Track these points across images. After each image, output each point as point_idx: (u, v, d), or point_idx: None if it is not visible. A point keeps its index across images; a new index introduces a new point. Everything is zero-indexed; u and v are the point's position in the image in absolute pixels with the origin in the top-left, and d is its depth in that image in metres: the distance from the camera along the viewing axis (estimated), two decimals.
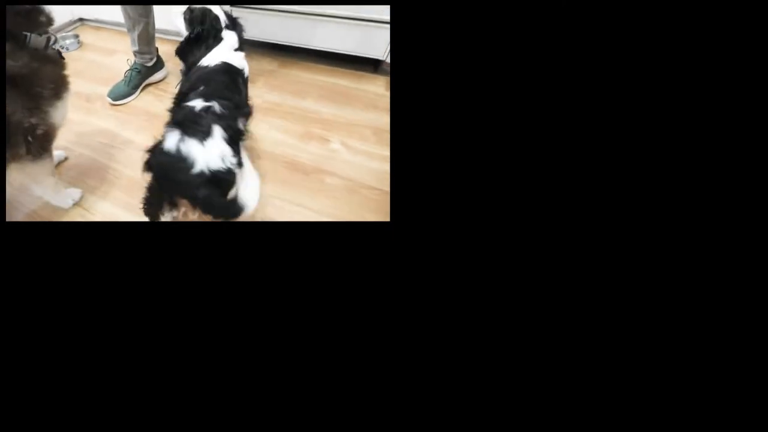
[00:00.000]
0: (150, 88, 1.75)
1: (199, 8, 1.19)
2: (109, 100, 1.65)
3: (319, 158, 1.42)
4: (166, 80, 1.79)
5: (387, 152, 1.40)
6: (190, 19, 1.19)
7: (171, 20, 1.23)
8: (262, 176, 1.38)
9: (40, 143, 1.03)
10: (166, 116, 0.94)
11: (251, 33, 1.90)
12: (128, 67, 1.69)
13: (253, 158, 1.44)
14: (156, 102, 1.68)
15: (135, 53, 1.67)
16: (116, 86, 1.67)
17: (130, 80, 1.67)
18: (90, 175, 1.38)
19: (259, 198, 1.27)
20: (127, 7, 1.56)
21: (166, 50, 1.83)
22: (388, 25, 1.67)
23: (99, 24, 2.34)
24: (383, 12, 1.59)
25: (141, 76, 1.69)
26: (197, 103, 0.97)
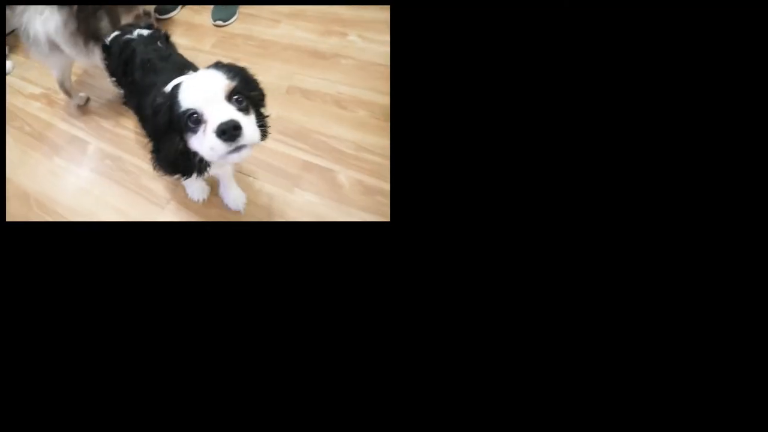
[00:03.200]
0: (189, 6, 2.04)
1: None
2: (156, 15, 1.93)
3: (337, 47, 1.66)
4: None
5: None
6: None
7: None
8: (287, 61, 1.65)
9: None
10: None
11: None
12: None
13: (278, 49, 1.71)
14: (195, 15, 1.97)
15: None
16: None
17: None
18: None
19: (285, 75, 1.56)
20: None
21: None
22: None
23: None
24: None
25: None
26: None
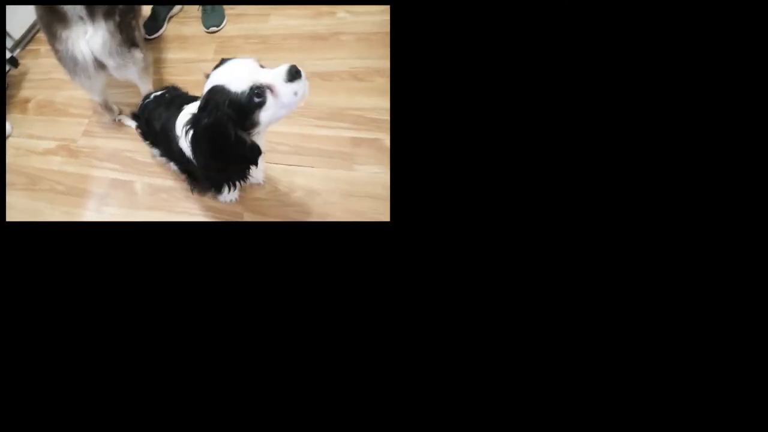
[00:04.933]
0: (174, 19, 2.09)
1: None
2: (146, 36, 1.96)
3: (333, 26, 1.78)
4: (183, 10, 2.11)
5: (382, 8, 1.76)
6: None
7: None
8: (292, 50, 1.77)
9: None
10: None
11: None
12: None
13: (279, 41, 1.81)
14: (183, 28, 2.03)
15: None
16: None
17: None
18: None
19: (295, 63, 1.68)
20: None
21: None
22: None
23: None
24: None
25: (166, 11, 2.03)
26: None
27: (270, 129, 1.04)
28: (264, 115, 0.95)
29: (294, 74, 0.92)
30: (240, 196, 1.38)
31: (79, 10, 1.25)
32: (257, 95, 0.92)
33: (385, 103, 1.50)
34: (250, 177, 1.14)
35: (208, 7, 1.95)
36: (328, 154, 1.42)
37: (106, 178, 1.53)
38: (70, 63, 1.33)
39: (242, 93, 0.91)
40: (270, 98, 0.93)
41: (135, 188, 1.49)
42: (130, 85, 1.56)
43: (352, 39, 1.72)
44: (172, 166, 1.41)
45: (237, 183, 1.12)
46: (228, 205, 1.40)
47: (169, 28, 2.05)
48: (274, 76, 0.92)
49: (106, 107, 1.64)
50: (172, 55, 1.93)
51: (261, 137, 1.05)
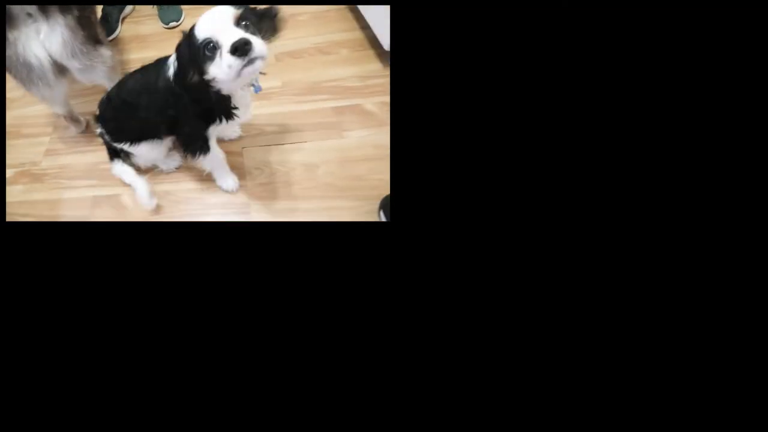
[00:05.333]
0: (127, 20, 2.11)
1: None
2: None
3: (288, 8, 1.80)
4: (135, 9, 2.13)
5: None
6: None
7: None
8: None
9: None
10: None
11: None
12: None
13: None
14: (139, 27, 2.07)
15: None
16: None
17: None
18: None
19: None
20: None
21: None
22: None
23: None
24: None
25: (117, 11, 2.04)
26: None
27: (254, 112, 1.08)
28: (214, 72, 0.94)
29: (235, 50, 0.88)
30: (242, 185, 1.41)
31: (26, 6, 1.08)
32: (208, 50, 0.92)
33: (355, 70, 1.65)
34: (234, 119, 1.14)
35: None
36: (316, 126, 1.55)
37: (84, 198, 1.39)
38: (22, 71, 1.15)
39: (199, 42, 0.93)
40: (218, 59, 0.92)
41: (123, 201, 1.36)
42: (94, 92, 1.54)
43: (309, 18, 1.85)
44: (161, 163, 1.38)
45: (224, 118, 1.12)
46: (232, 196, 1.38)
47: (124, 29, 2.07)
48: (226, 40, 0.90)
49: (72, 119, 1.48)
50: (134, 55, 1.96)
51: (235, 95, 1.06)
